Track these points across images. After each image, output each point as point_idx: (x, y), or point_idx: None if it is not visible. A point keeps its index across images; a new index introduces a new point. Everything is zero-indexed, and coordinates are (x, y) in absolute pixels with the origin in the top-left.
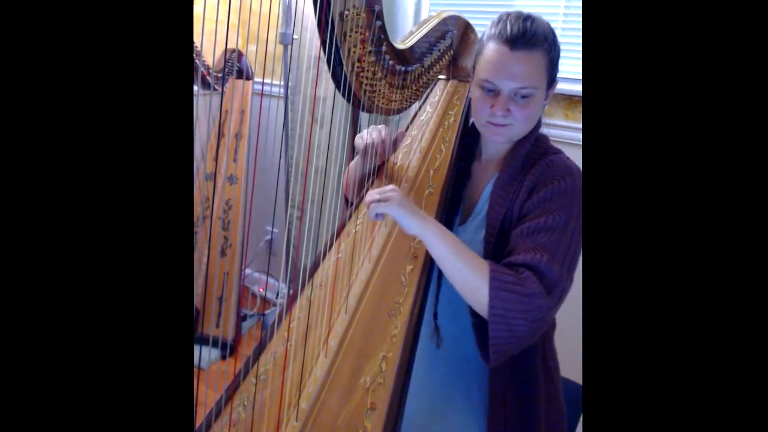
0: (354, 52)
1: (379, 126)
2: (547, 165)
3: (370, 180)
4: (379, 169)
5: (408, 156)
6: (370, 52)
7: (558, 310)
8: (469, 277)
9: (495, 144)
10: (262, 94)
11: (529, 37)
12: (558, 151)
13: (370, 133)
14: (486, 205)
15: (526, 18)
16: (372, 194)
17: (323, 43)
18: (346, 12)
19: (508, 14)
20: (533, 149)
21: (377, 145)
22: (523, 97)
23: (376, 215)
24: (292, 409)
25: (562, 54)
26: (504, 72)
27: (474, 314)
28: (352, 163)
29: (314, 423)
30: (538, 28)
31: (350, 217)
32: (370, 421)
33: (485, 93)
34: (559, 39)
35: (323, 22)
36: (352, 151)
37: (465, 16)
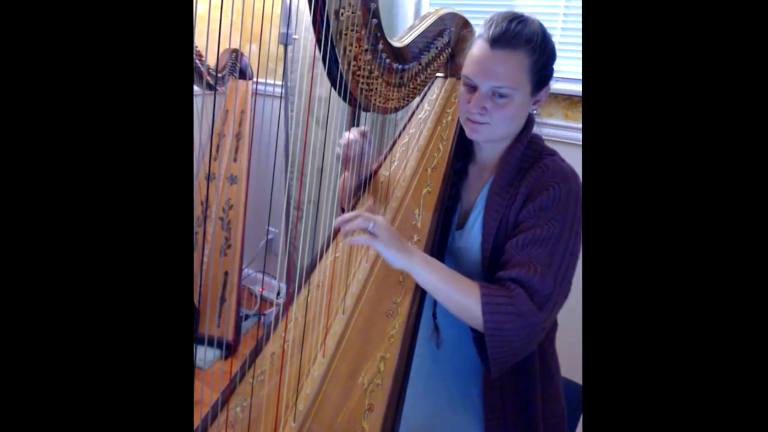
0: (350, 50)
1: (353, 129)
2: (542, 170)
3: (366, 186)
4: (375, 173)
5: (406, 154)
6: (366, 50)
7: (552, 321)
8: (461, 301)
9: (489, 145)
10: (261, 94)
11: (510, 36)
12: (553, 153)
13: (347, 137)
14: (482, 209)
15: (513, 19)
16: (356, 221)
17: (318, 41)
18: (342, 10)
19: (498, 14)
20: (527, 152)
21: (355, 146)
22: (501, 96)
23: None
24: (289, 410)
25: (562, 54)
26: (482, 69)
27: (473, 328)
28: (344, 176)
29: (312, 424)
30: (524, 30)
31: None
32: (368, 422)
33: (467, 89)
34: (559, 39)
35: (318, 21)
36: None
37: (464, 15)
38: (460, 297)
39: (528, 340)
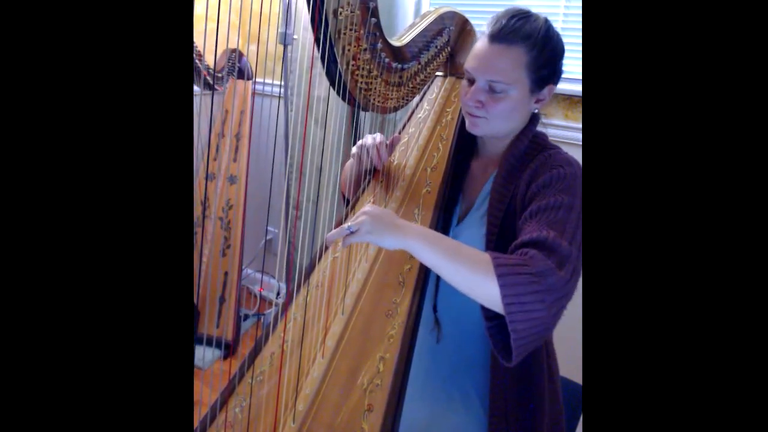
0: (348, 49)
1: (376, 134)
2: (545, 157)
3: (367, 179)
4: (375, 169)
5: (405, 154)
6: (365, 49)
7: (575, 287)
8: (471, 274)
9: (491, 141)
10: (260, 94)
11: (507, 32)
12: (556, 147)
13: (365, 140)
14: (485, 202)
15: (515, 15)
16: (342, 229)
17: (317, 41)
18: (340, 9)
19: (504, 11)
20: (531, 146)
21: (372, 151)
22: (497, 91)
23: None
24: (289, 410)
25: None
26: (479, 63)
27: (489, 317)
28: (348, 164)
29: (311, 424)
30: (524, 26)
31: (347, 216)
32: (368, 422)
33: (467, 83)
34: None
35: (317, 20)
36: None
37: (464, 14)
38: (469, 269)
39: (552, 307)
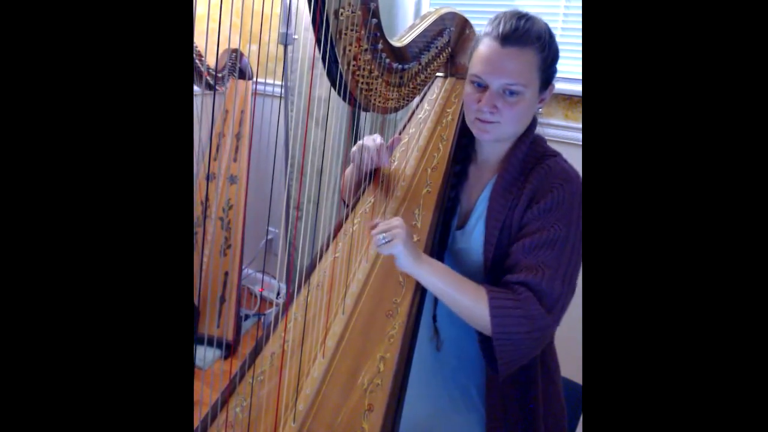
0: (349, 50)
1: (374, 135)
2: (545, 171)
3: (367, 181)
4: (375, 171)
5: (406, 154)
6: (365, 50)
7: (560, 322)
8: (468, 306)
9: (491, 146)
10: (261, 94)
11: (520, 34)
12: (556, 154)
13: (364, 142)
14: (483, 210)
15: (521, 17)
16: (378, 231)
17: (318, 41)
18: (341, 10)
19: (505, 13)
20: (530, 152)
21: (371, 153)
22: (512, 93)
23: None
24: (289, 410)
25: (562, 54)
26: (493, 67)
27: (479, 331)
28: (348, 170)
29: (312, 424)
30: (532, 27)
31: (347, 216)
32: (368, 422)
33: (475, 88)
34: (559, 39)
35: (318, 21)
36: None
37: (464, 14)
38: (467, 301)
39: (536, 343)
